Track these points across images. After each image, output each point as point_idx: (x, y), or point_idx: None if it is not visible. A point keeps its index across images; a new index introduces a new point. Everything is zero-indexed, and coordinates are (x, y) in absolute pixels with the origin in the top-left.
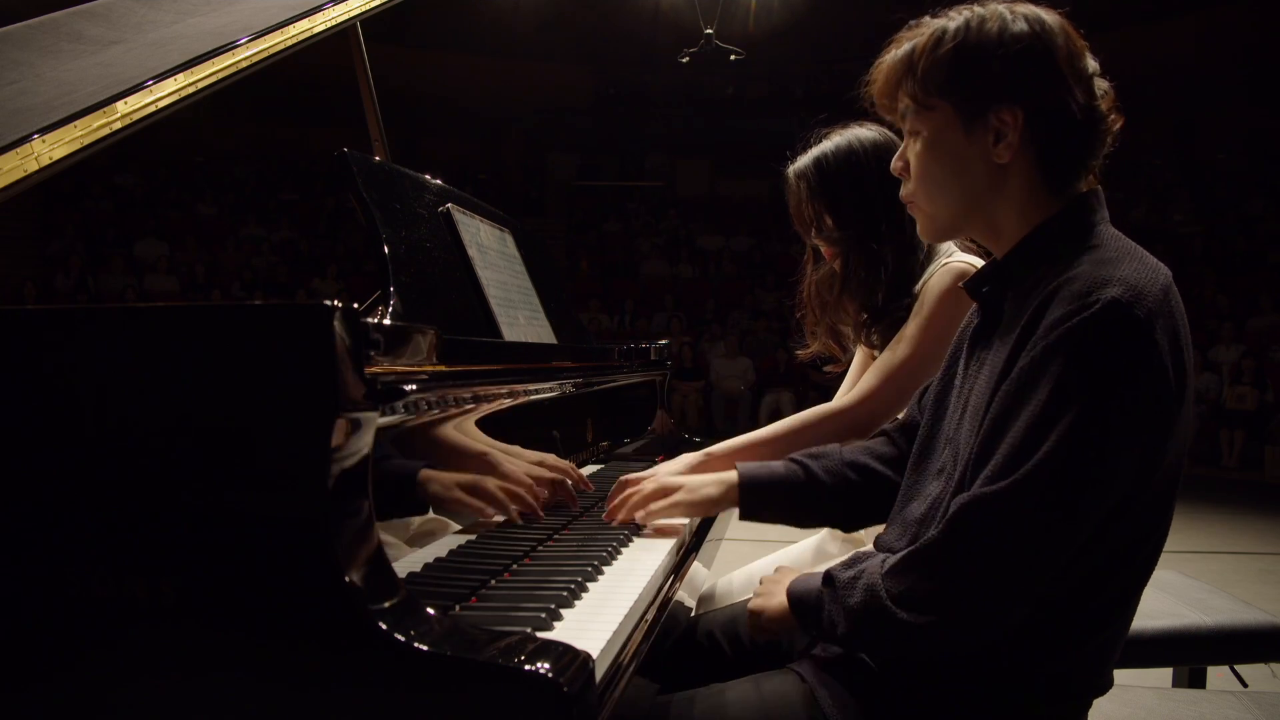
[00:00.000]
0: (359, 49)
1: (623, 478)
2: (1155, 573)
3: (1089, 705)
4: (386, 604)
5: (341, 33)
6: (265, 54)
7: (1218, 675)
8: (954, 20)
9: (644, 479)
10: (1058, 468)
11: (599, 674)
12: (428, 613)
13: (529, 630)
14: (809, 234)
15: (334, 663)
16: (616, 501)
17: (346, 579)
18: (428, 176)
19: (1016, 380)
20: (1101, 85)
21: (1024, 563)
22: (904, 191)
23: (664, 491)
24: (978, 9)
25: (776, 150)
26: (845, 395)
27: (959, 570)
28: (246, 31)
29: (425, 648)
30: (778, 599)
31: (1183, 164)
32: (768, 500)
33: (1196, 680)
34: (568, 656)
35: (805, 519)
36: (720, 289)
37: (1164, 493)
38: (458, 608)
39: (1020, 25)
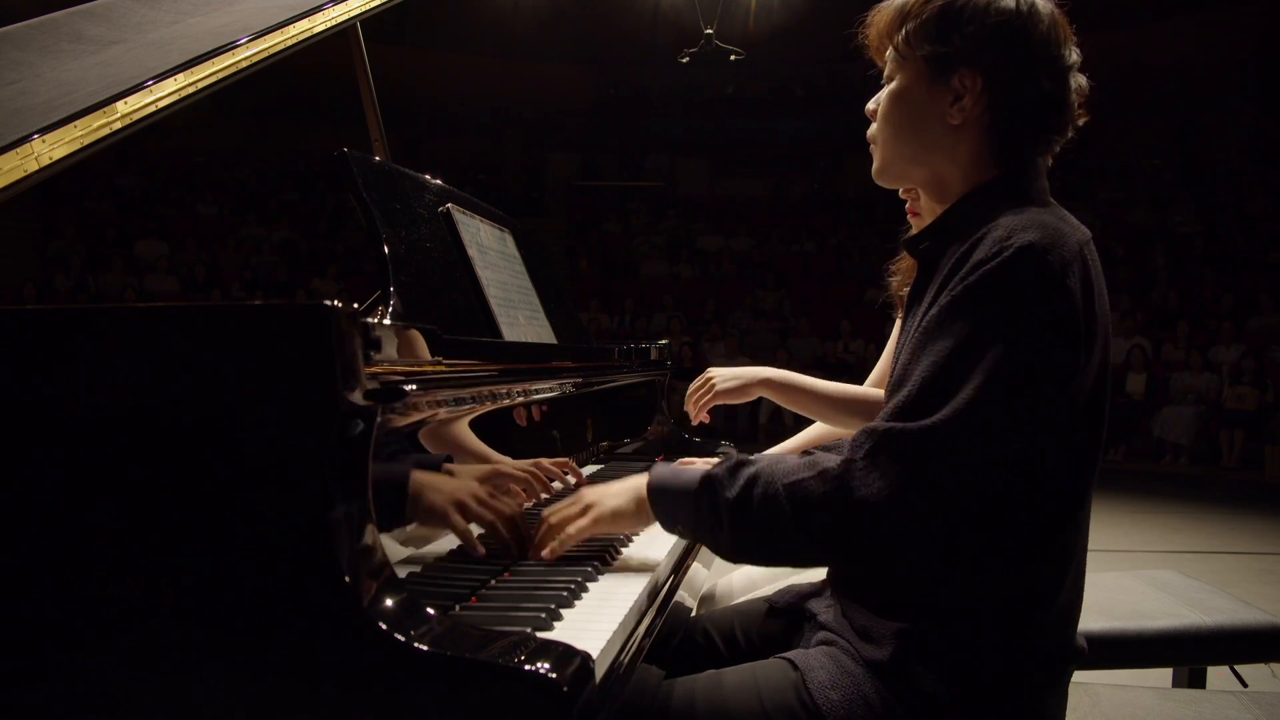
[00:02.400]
0: (359, 49)
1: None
2: (1155, 572)
3: (1065, 675)
4: (386, 604)
5: (341, 33)
6: (265, 54)
7: (1218, 675)
8: None
9: None
10: (974, 410)
11: (599, 674)
12: (428, 613)
13: (529, 630)
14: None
15: (334, 662)
16: None
17: (346, 579)
18: (428, 176)
19: (934, 318)
20: (1078, 80)
21: (933, 502)
22: (870, 131)
23: None
24: None
25: (776, 150)
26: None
27: (867, 500)
28: (246, 31)
29: (425, 648)
30: (619, 498)
31: (1183, 164)
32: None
33: (1196, 680)
34: (568, 656)
35: None
36: (720, 289)
37: (1084, 451)
38: (458, 608)
39: (1009, 2)
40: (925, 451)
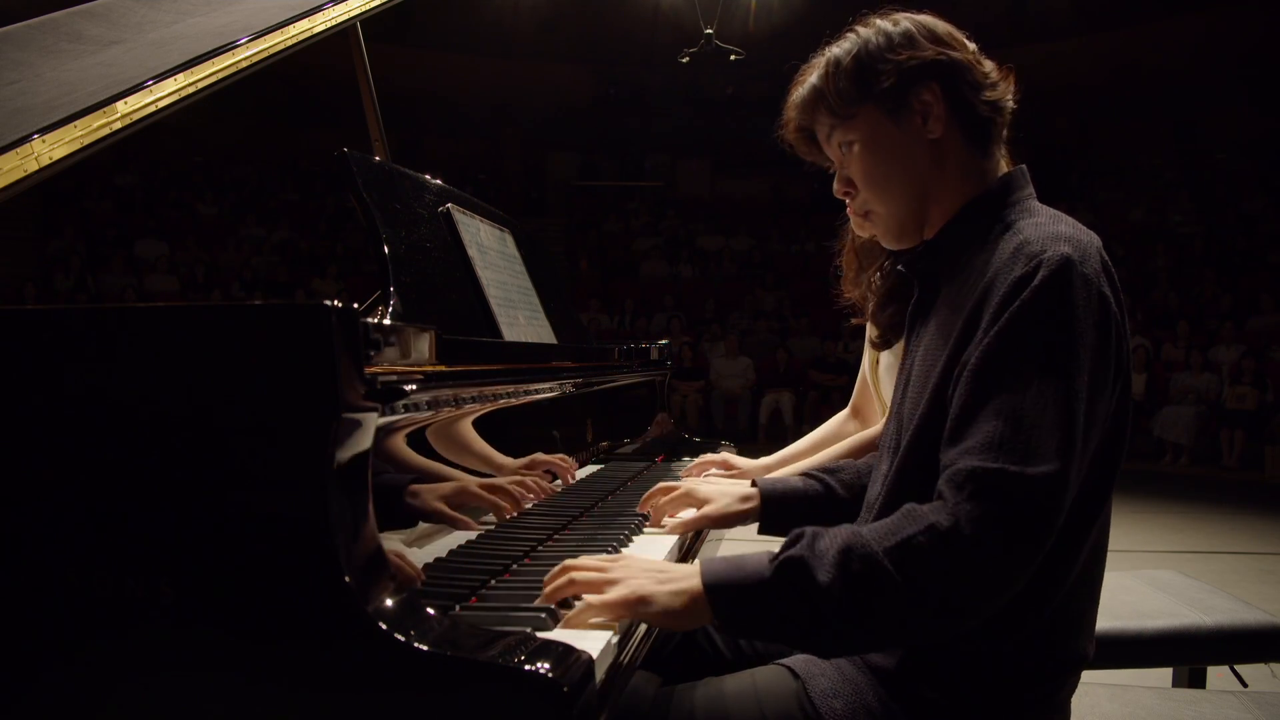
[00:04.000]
0: (359, 49)
1: (661, 484)
2: (1155, 572)
3: (1073, 682)
4: (386, 604)
5: (341, 33)
6: (265, 54)
7: (1218, 675)
8: (840, 44)
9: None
10: (1077, 446)
11: (599, 674)
12: (428, 613)
13: (529, 630)
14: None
15: (334, 662)
16: (650, 497)
17: (346, 579)
18: (428, 176)
19: (996, 342)
20: (987, 62)
21: (1042, 544)
22: (854, 205)
23: (693, 499)
24: (858, 29)
25: (776, 150)
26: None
27: (989, 552)
28: (246, 31)
29: (425, 648)
30: (669, 596)
31: (1183, 164)
32: (788, 514)
33: (1196, 680)
34: (568, 657)
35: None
36: (720, 289)
37: (1108, 460)
38: (458, 608)
39: (902, 24)
40: (1040, 494)
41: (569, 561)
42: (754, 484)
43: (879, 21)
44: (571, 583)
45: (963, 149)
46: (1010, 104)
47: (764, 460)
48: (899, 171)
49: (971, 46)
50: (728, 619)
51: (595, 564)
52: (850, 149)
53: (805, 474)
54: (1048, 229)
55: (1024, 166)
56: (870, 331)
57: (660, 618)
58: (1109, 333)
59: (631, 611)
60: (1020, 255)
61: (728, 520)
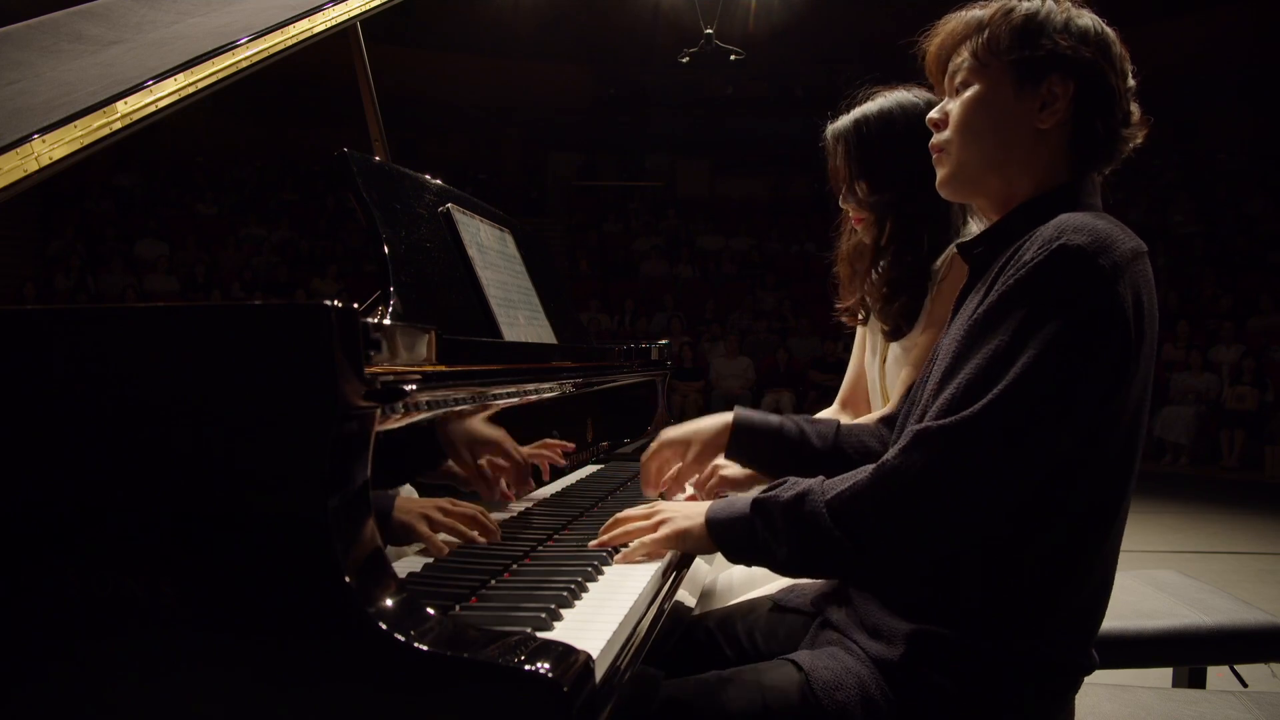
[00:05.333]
0: (359, 49)
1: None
2: (1155, 572)
3: (1075, 685)
4: (386, 604)
5: (341, 33)
6: (265, 54)
7: (1218, 675)
8: (1025, 1)
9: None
10: (1009, 403)
11: (599, 674)
12: (428, 613)
13: (529, 630)
14: (840, 196)
15: (334, 662)
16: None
17: (346, 579)
18: (428, 176)
19: (981, 317)
20: (1134, 106)
21: (971, 495)
22: (936, 139)
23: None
24: (1048, 1)
25: (776, 150)
26: (879, 409)
27: (906, 499)
28: (246, 31)
29: (425, 648)
30: (691, 520)
31: (1183, 164)
32: (756, 445)
33: (1196, 680)
34: (568, 656)
35: (787, 472)
36: (720, 289)
37: (1122, 463)
38: (458, 608)
39: (1085, 20)
40: (957, 441)
41: (618, 515)
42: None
43: (1067, 3)
44: (626, 532)
45: (1060, 153)
46: (1129, 149)
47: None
48: (992, 137)
49: (1131, 83)
50: (721, 545)
51: (641, 513)
52: (965, 90)
53: (788, 416)
54: (1075, 220)
55: (1095, 178)
56: (879, 326)
57: (696, 545)
58: (1105, 327)
59: (678, 544)
60: (1036, 240)
61: (717, 441)
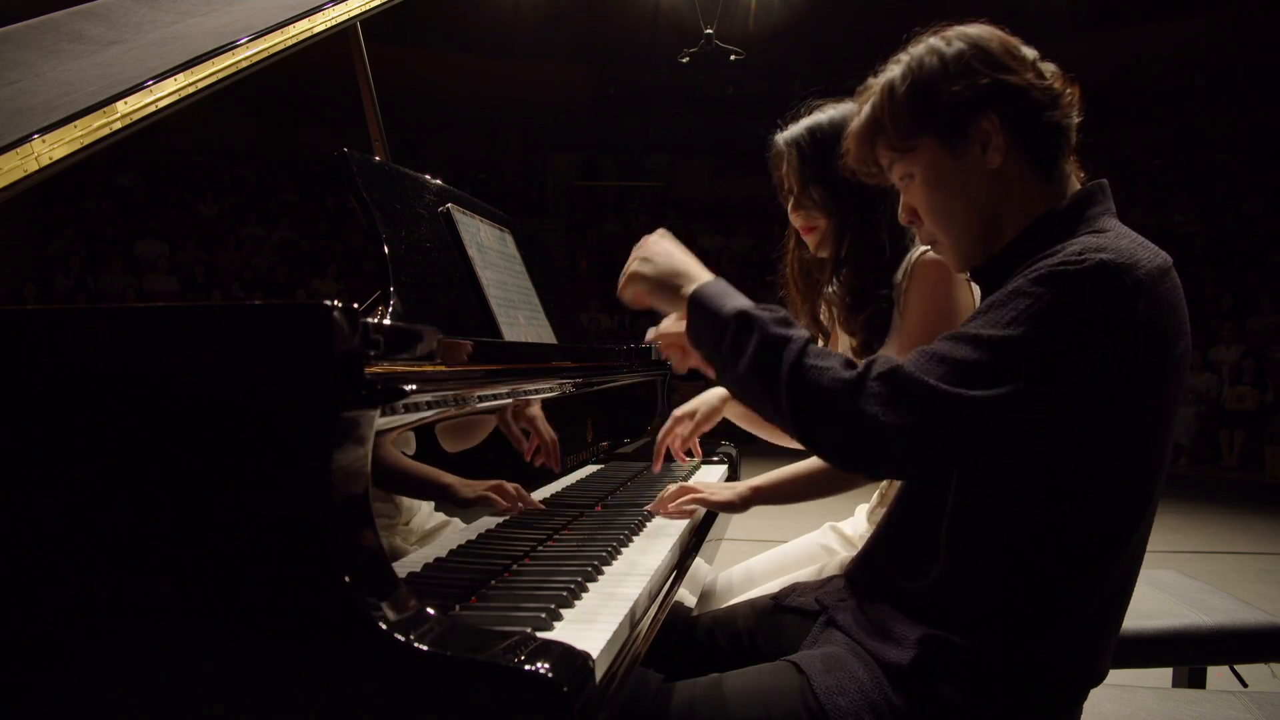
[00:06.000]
0: (359, 49)
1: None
2: (1155, 572)
3: (1082, 697)
4: (386, 604)
5: (341, 33)
6: (265, 54)
7: (1218, 675)
8: (896, 68)
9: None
10: (1006, 401)
11: (599, 674)
12: (428, 613)
13: (529, 630)
14: (789, 205)
15: (334, 663)
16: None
17: (346, 579)
18: (428, 176)
19: (988, 303)
20: (1048, 67)
21: (940, 469)
22: (922, 235)
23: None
24: (911, 50)
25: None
26: None
27: (873, 436)
28: (246, 31)
29: (425, 648)
30: (665, 272)
31: (1183, 164)
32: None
33: (1196, 680)
34: (568, 656)
35: None
36: None
37: (1144, 476)
38: (458, 608)
39: (955, 44)
40: (944, 411)
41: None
42: None
43: (932, 40)
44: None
45: (1026, 173)
46: (1074, 120)
47: (753, 481)
48: (961, 204)
49: (1030, 56)
50: (690, 322)
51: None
52: (911, 180)
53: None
54: (1101, 240)
55: (1104, 181)
56: (848, 341)
57: (644, 282)
58: (1118, 342)
59: (630, 280)
60: (1062, 254)
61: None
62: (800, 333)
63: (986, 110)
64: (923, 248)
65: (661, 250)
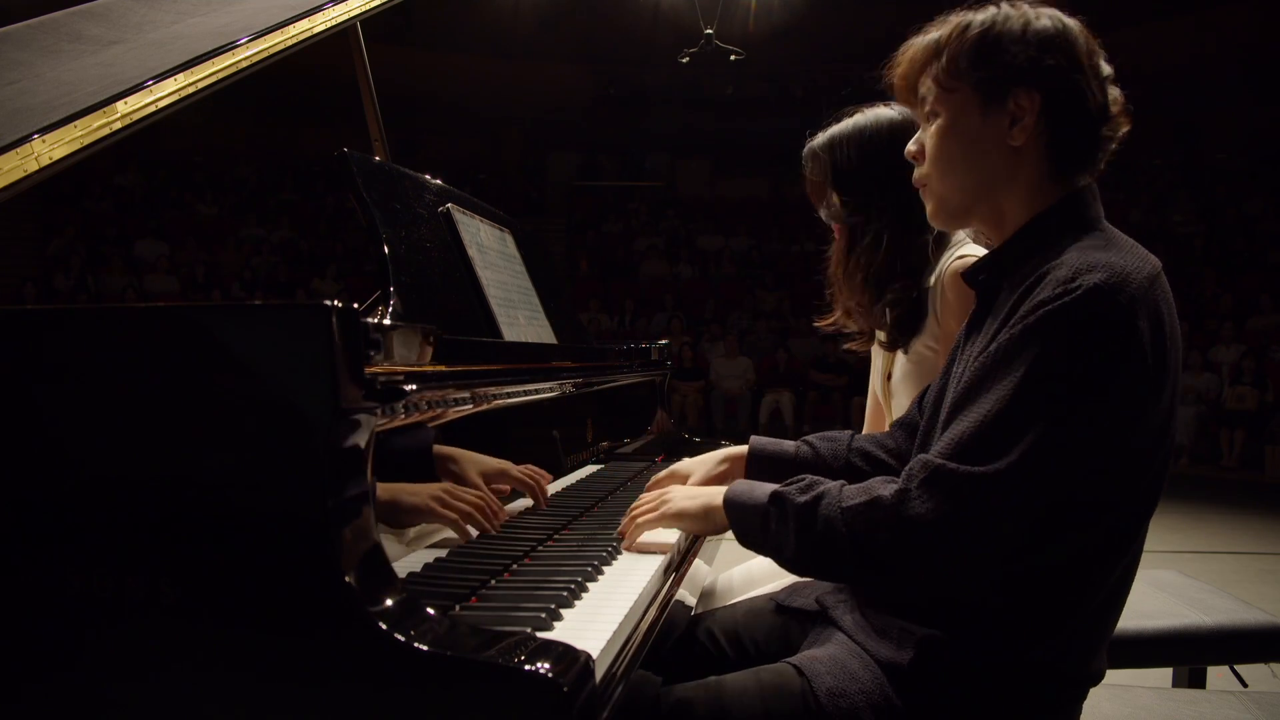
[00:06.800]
0: (359, 49)
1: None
2: (1155, 572)
3: (1083, 696)
4: (386, 604)
5: (341, 33)
6: (265, 54)
7: (1218, 675)
8: (980, 13)
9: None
10: (1034, 461)
11: (599, 673)
12: (428, 613)
13: (529, 630)
14: (820, 207)
15: (334, 662)
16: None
17: (346, 579)
18: (428, 176)
19: (993, 355)
20: (1114, 91)
21: (985, 540)
22: (917, 174)
23: (676, 478)
24: (1005, 6)
25: (776, 150)
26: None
27: (920, 529)
28: (246, 31)
29: (425, 648)
30: (689, 502)
31: (1183, 164)
32: (772, 470)
33: (1196, 680)
34: (568, 656)
35: None
36: (720, 289)
37: (1148, 481)
38: (458, 608)
39: (1044, 21)
40: (981, 494)
41: (633, 505)
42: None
43: (1026, 7)
44: (632, 518)
45: (1041, 164)
46: (1109, 147)
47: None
48: (966, 164)
49: (1106, 71)
50: (734, 527)
51: (648, 497)
52: (933, 119)
53: (801, 440)
54: (1088, 258)
55: (1093, 185)
56: (878, 335)
57: (677, 519)
58: (1127, 367)
59: (659, 519)
60: (1050, 280)
61: (716, 471)
62: (829, 484)
63: (1033, 89)
64: (956, 255)
65: (683, 492)
